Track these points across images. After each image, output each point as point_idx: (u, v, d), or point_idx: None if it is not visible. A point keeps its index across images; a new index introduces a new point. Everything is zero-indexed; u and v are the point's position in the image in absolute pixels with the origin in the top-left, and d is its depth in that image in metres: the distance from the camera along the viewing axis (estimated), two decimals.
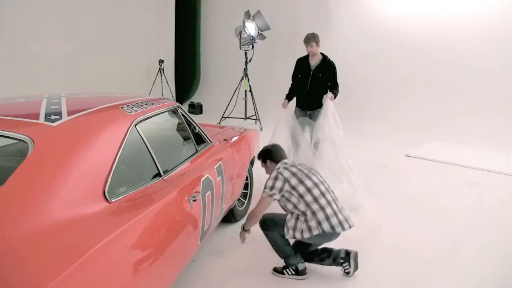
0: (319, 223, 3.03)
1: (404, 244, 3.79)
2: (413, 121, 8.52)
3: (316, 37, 4.97)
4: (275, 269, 3.28)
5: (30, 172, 1.84)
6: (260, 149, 3.56)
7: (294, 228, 3.10)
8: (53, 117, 2.18)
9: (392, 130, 8.26)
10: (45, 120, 2.15)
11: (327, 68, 4.97)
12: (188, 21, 12.19)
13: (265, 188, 3.14)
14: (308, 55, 5.11)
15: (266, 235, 3.24)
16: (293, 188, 3.08)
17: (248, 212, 3.32)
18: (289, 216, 3.15)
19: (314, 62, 5.04)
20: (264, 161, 3.44)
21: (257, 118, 9.01)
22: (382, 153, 7.00)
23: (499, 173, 6.00)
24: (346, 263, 3.23)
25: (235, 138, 4.08)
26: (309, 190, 3.08)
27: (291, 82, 5.30)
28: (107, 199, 2.00)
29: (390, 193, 5.15)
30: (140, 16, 10.78)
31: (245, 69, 9.15)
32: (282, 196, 3.12)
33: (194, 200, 2.59)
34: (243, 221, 3.44)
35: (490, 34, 8.49)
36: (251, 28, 8.82)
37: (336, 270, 3.28)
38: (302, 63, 5.16)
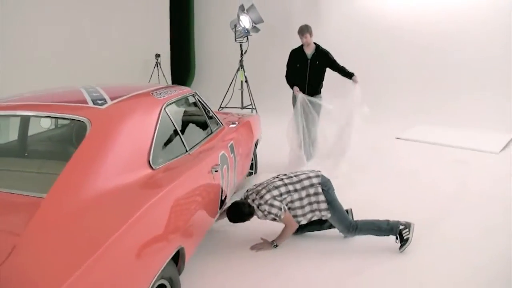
0: (314, 189, 3.46)
1: (392, 210, 4.00)
2: (403, 105, 8.88)
3: (309, 28, 5.42)
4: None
5: (92, 146, 2.26)
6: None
7: (305, 213, 3.48)
8: (99, 101, 2.61)
9: (383, 114, 8.41)
10: (94, 104, 2.58)
11: (322, 56, 5.44)
12: (182, 15, 12.54)
13: (277, 216, 3.35)
14: (301, 46, 5.54)
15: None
16: (286, 193, 3.40)
17: (284, 232, 3.53)
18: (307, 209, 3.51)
19: (309, 51, 5.48)
20: (249, 217, 3.45)
21: (254, 107, 9.41)
22: (373, 136, 7.29)
23: (485, 152, 6.41)
24: None
25: (241, 122, 4.53)
26: (292, 183, 3.44)
27: (286, 71, 5.66)
28: (151, 167, 2.44)
29: (381, 171, 5.56)
30: (135, 11, 11.02)
31: (241, 61, 9.51)
32: (287, 204, 3.43)
33: (216, 171, 3.05)
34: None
35: (476, 20, 8.88)
36: (245, 21, 9.15)
37: (335, 231, 3.74)
38: (297, 54, 5.56)
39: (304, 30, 5.41)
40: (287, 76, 5.66)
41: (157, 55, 11.06)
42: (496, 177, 5.35)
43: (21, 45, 7.98)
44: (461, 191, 4.87)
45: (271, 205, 3.33)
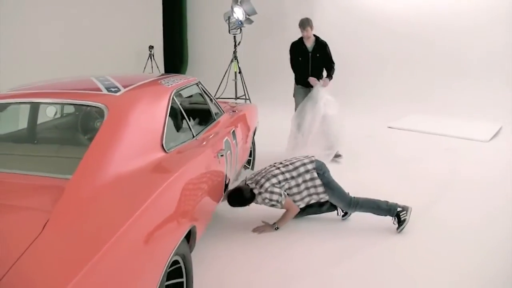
0: (311, 176, 3.66)
1: (387, 197, 4.00)
2: (394, 95, 9.11)
3: (310, 21, 5.53)
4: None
5: (111, 131, 2.39)
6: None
7: (303, 197, 3.69)
8: (113, 89, 2.75)
9: (375, 104, 8.86)
10: (108, 92, 2.71)
11: (322, 48, 5.59)
12: (175, 7, 12.60)
13: (278, 202, 3.55)
14: (301, 38, 5.65)
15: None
16: (283, 181, 3.61)
17: (285, 215, 3.72)
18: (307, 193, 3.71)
19: (309, 44, 5.59)
20: (249, 203, 3.65)
21: (247, 98, 9.54)
22: (366, 125, 7.60)
23: (475, 140, 6.68)
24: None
25: (240, 111, 4.69)
26: (288, 171, 3.64)
27: (291, 63, 5.76)
28: (164, 150, 2.60)
29: (375, 159, 5.82)
30: (128, 4, 11.03)
31: (234, 52, 9.62)
32: (285, 190, 3.62)
33: (221, 156, 3.22)
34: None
35: (467, 10, 9.18)
36: (239, 13, 9.23)
37: (333, 214, 3.98)
38: (298, 47, 5.67)
39: (305, 24, 5.50)
40: (293, 67, 5.77)
41: (151, 47, 11.13)
42: (486, 165, 5.60)
43: (13, 36, 7.85)
44: (453, 178, 5.09)
45: (272, 192, 3.52)
